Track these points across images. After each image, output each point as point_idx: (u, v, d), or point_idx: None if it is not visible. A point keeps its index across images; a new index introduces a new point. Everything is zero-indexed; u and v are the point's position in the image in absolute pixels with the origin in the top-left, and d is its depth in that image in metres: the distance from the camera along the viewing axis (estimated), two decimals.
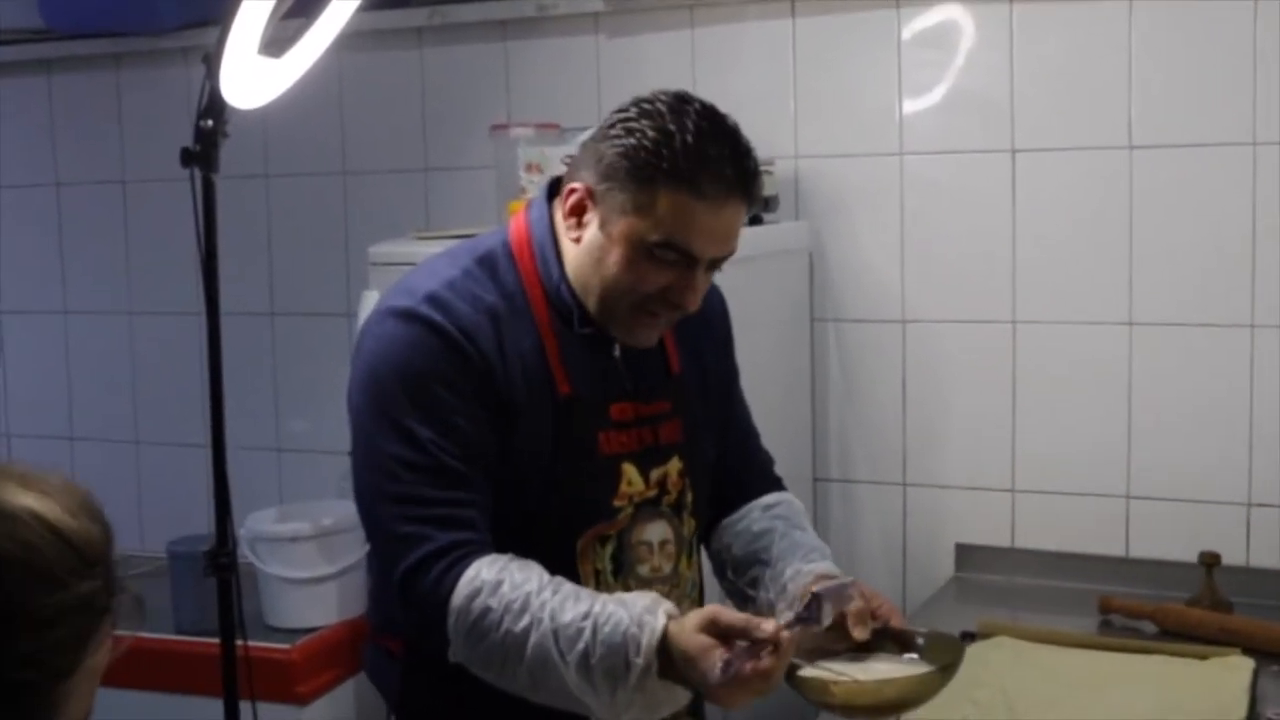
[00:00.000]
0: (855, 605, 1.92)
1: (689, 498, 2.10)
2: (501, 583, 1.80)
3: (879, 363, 3.24)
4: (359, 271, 3.21)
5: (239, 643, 2.38)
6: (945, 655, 1.89)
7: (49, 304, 4.10)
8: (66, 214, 4.08)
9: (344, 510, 3.27)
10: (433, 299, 1.89)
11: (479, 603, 1.79)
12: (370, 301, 2.96)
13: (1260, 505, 2.94)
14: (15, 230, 4.15)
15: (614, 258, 1.89)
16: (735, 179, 1.87)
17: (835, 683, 1.82)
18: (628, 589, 1.95)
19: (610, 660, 1.74)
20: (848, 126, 3.20)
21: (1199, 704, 2.24)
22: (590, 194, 1.90)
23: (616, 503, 2.00)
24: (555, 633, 1.76)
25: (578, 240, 1.93)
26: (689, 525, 2.11)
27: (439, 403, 1.86)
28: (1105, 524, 3.06)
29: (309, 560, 3.16)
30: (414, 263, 2.91)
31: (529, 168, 2.87)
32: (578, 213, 1.92)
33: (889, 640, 1.95)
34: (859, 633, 1.91)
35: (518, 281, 1.95)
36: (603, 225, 1.89)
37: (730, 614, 1.75)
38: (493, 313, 1.91)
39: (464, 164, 3.51)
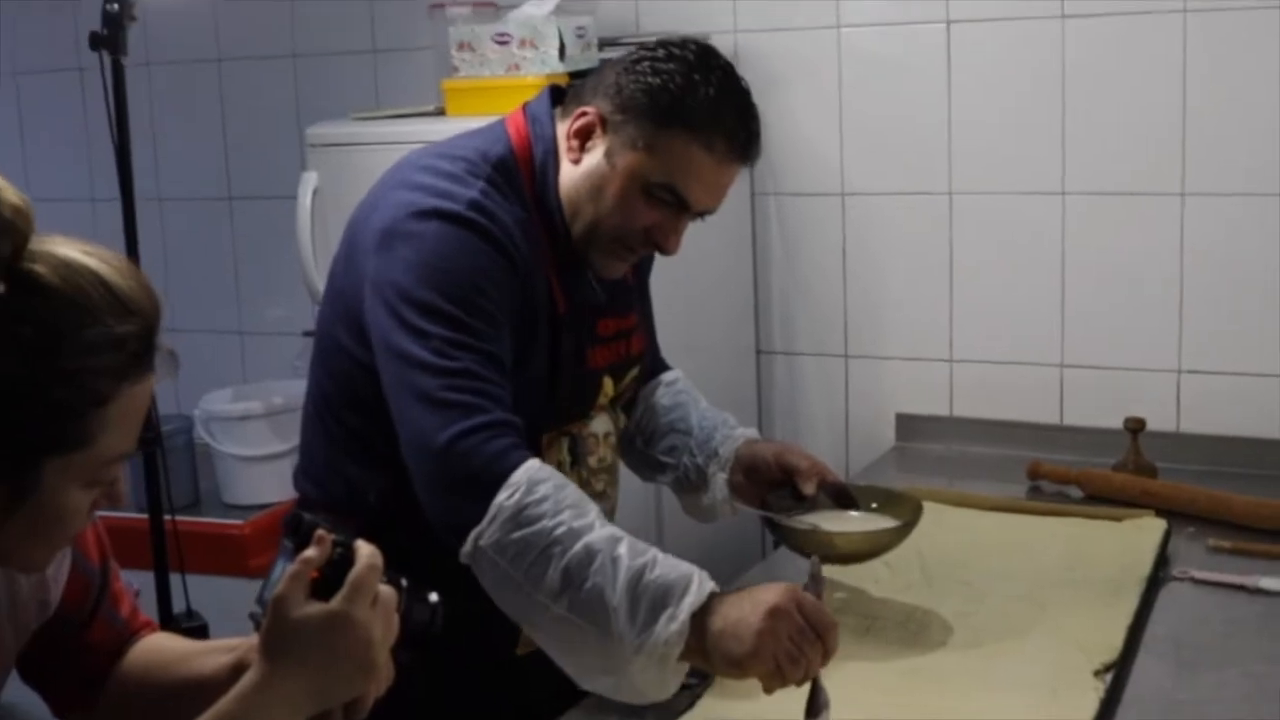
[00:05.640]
0: (805, 464, 2.14)
1: (629, 396, 2.20)
2: (566, 485, 1.78)
3: (819, 236, 3.27)
4: None
5: (196, 519, 2.46)
6: (899, 509, 2.18)
7: None
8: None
9: (296, 389, 3.31)
10: (478, 207, 1.87)
11: (543, 488, 1.75)
12: (310, 183, 2.99)
13: (1189, 372, 2.98)
14: None
15: (613, 189, 1.91)
16: (744, 144, 1.93)
17: (841, 534, 2.06)
18: (580, 479, 2.03)
19: (666, 584, 1.70)
20: (786, 0, 3.20)
21: (1106, 563, 2.30)
22: (602, 121, 1.92)
23: (592, 412, 2.08)
24: (618, 539, 1.73)
25: (576, 162, 1.95)
26: (622, 418, 2.20)
27: (493, 304, 1.84)
28: (1040, 392, 3.11)
29: (261, 438, 3.23)
30: (353, 144, 2.97)
31: (460, 46, 2.88)
32: (583, 136, 1.94)
33: (826, 496, 2.18)
34: (808, 488, 2.13)
35: (526, 196, 1.95)
36: (608, 155, 1.92)
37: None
38: (521, 226, 1.91)
39: (410, 45, 3.53)
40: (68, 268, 1.28)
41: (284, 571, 1.37)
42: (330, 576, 1.35)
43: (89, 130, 3.93)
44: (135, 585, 1.72)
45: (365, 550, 1.38)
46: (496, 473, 1.75)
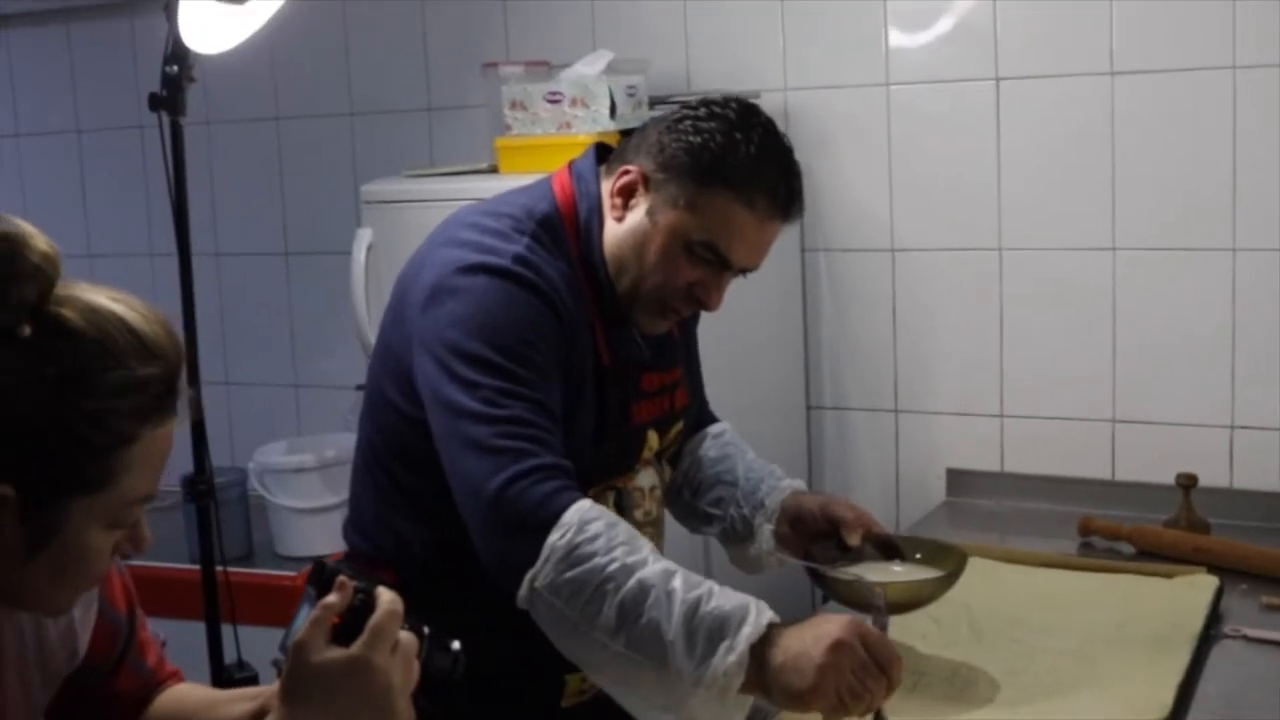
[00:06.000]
0: (850, 515, 2.14)
1: (674, 449, 2.21)
2: (618, 523, 1.79)
3: (869, 292, 3.28)
4: None
5: (249, 570, 2.49)
6: (944, 560, 2.15)
7: None
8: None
9: (349, 442, 3.33)
10: (523, 261, 1.89)
11: (594, 527, 1.75)
12: (365, 239, 3.03)
13: (1242, 428, 2.97)
14: None
15: (654, 246, 1.93)
16: (785, 201, 1.94)
17: (882, 584, 1.99)
18: None
19: (723, 615, 1.70)
20: (835, 58, 3.23)
21: (1156, 620, 2.28)
22: (644, 179, 1.94)
23: (637, 465, 2.09)
24: (672, 573, 1.73)
25: (620, 219, 1.97)
26: (668, 472, 2.22)
27: (541, 355, 1.87)
28: (1091, 447, 3.10)
29: (314, 491, 3.26)
30: (406, 201, 3.01)
31: (513, 105, 2.92)
32: (626, 194, 1.96)
33: (871, 547, 2.17)
34: (853, 539, 2.12)
35: (571, 252, 1.98)
36: (650, 213, 1.93)
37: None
38: (565, 281, 1.93)
39: (464, 103, 3.58)
40: (93, 312, 1.32)
41: (306, 618, 1.39)
42: (351, 622, 1.37)
43: (148, 186, 4.00)
44: (161, 635, 1.74)
45: (386, 597, 1.39)
46: (547, 514, 1.76)
